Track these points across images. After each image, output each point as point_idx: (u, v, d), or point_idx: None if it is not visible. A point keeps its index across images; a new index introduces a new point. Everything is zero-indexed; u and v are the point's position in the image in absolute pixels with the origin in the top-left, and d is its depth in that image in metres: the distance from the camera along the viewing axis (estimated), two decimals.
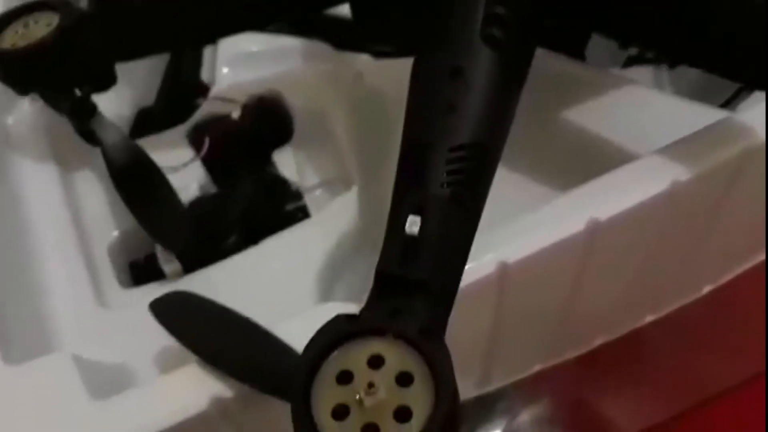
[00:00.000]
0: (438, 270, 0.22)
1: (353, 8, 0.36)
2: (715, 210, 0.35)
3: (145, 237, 0.39)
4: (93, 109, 0.36)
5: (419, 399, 0.20)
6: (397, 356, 0.21)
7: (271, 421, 0.29)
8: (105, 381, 0.30)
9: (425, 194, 0.23)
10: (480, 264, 0.29)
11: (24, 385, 0.29)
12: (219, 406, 0.28)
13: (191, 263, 0.38)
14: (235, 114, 0.44)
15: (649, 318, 0.44)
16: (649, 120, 0.38)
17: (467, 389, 0.41)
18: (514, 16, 0.26)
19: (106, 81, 0.36)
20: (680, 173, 0.31)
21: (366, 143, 0.41)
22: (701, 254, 0.39)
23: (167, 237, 0.37)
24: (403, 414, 0.20)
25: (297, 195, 0.42)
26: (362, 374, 0.21)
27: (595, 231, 0.31)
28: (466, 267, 0.24)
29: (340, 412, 0.20)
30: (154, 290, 0.37)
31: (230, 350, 0.28)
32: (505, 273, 0.30)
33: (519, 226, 0.31)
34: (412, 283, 0.22)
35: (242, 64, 0.45)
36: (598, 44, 0.42)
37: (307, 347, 0.21)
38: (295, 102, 0.44)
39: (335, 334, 0.21)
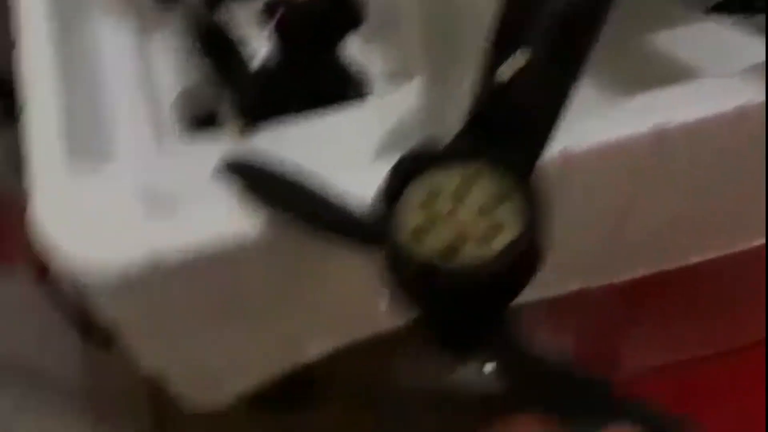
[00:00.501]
0: (529, 114, 0.22)
1: None
2: None
3: (209, 96, 0.39)
4: None
5: (505, 224, 0.20)
6: (484, 183, 0.21)
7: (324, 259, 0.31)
8: (158, 205, 0.30)
9: (525, 46, 0.23)
10: None
11: (84, 193, 0.29)
12: (267, 236, 0.28)
13: (250, 126, 0.38)
14: None
15: (696, 258, 0.43)
16: (732, 57, 0.37)
17: None
18: None
19: None
20: (755, 95, 0.31)
21: (436, 42, 0.41)
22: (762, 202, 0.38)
23: (235, 96, 0.37)
24: (486, 236, 0.20)
25: (360, 79, 0.41)
26: (448, 196, 0.21)
27: (661, 136, 0.30)
28: None
29: (424, 231, 0.20)
30: (212, 145, 0.37)
31: (297, 199, 0.28)
32: (567, 162, 0.30)
33: (586, 119, 0.30)
34: (502, 122, 0.22)
35: None
36: None
37: (395, 165, 0.21)
38: None
39: (425, 154, 0.21)
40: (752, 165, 0.35)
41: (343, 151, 0.36)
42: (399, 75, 0.42)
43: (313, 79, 0.41)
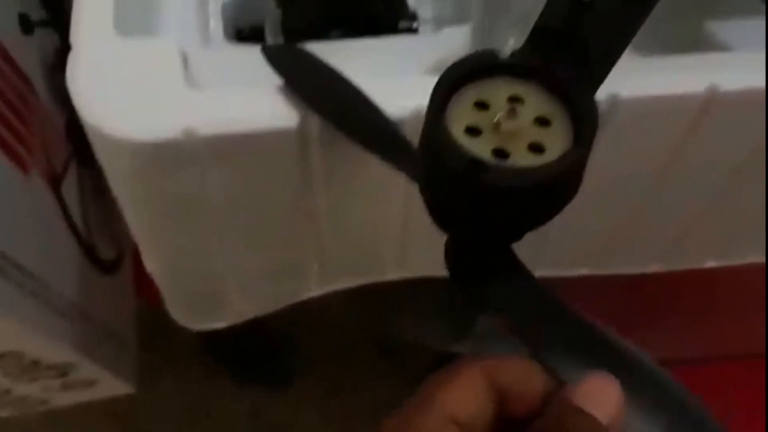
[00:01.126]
0: (601, 35, 0.22)
1: None
2: None
3: (256, 8, 0.39)
4: None
5: (555, 141, 0.20)
6: (540, 101, 0.21)
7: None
8: (202, 80, 0.29)
9: None
10: None
11: (129, 58, 0.29)
12: (302, 129, 0.28)
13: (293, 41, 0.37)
14: None
15: (711, 263, 0.43)
16: None
17: None
18: None
19: None
20: None
21: None
22: None
23: (298, 18, 0.36)
24: (536, 148, 0.20)
25: (412, 15, 0.41)
26: (500, 106, 0.21)
27: (712, 100, 0.30)
28: None
29: (473, 132, 0.20)
30: (255, 49, 0.36)
31: (332, 100, 0.28)
32: (614, 107, 0.29)
33: (638, 67, 0.30)
34: (574, 40, 0.21)
35: None
36: None
37: (452, 66, 0.21)
38: None
39: (487, 60, 0.21)
40: None
41: (387, 73, 0.34)
42: (447, 21, 0.41)
43: (365, 6, 0.40)
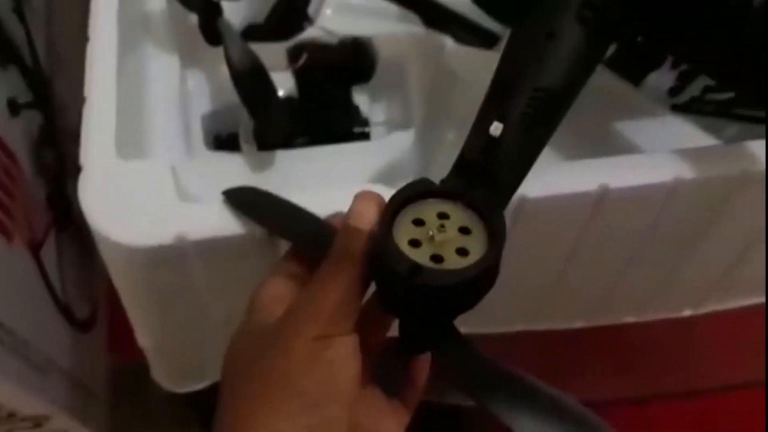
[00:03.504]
0: (508, 167, 0.27)
1: None
2: (707, 229, 0.39)
3: (231, 117, 0.43)
4: (220, 12, 0.40)
5: (476, 245, 0.25)
6: (462, 215, 0.26)
7: None
8: (189, 186, 0.34)
9: (510, 112, 0.27)
10: None
11: (129, 177, 0.33)
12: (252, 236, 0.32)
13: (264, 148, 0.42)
14: (332, 44, 0.47)
15: (629, 319, 0.48)
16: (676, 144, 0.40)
17: None
18: (605, 6, 0.30)
19: None
20: (685, 172, 0.35)
21: (433, 102, 0.45)
22: (688, 272, 0.43)
23: (269, 127, 0.41)
24: (462, 252, 0.24)
25: (365, 122, 0.46)
26: (433, 222, 0.25)
27: (604, 196, 0.35)
28: None
29: (414, 245, 0.25)
30: (231, 156, 0.41)
31: (282, 224, 0.32)
32: (521, 208, 0.34)
33: (541, 174, 0.32)
34: (486, 170, 0.26)
35: (344, 11, 0.49)
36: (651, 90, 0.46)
37: (396, 194, 0.25)
38: (382, 52, 0.48)
39: (421, 188, 0.26)
40: (684, 239, 0.40)
41: (343, 177, 0.40)
42: (396, 125, 0.46)
43: (326, 116, 0.45)
